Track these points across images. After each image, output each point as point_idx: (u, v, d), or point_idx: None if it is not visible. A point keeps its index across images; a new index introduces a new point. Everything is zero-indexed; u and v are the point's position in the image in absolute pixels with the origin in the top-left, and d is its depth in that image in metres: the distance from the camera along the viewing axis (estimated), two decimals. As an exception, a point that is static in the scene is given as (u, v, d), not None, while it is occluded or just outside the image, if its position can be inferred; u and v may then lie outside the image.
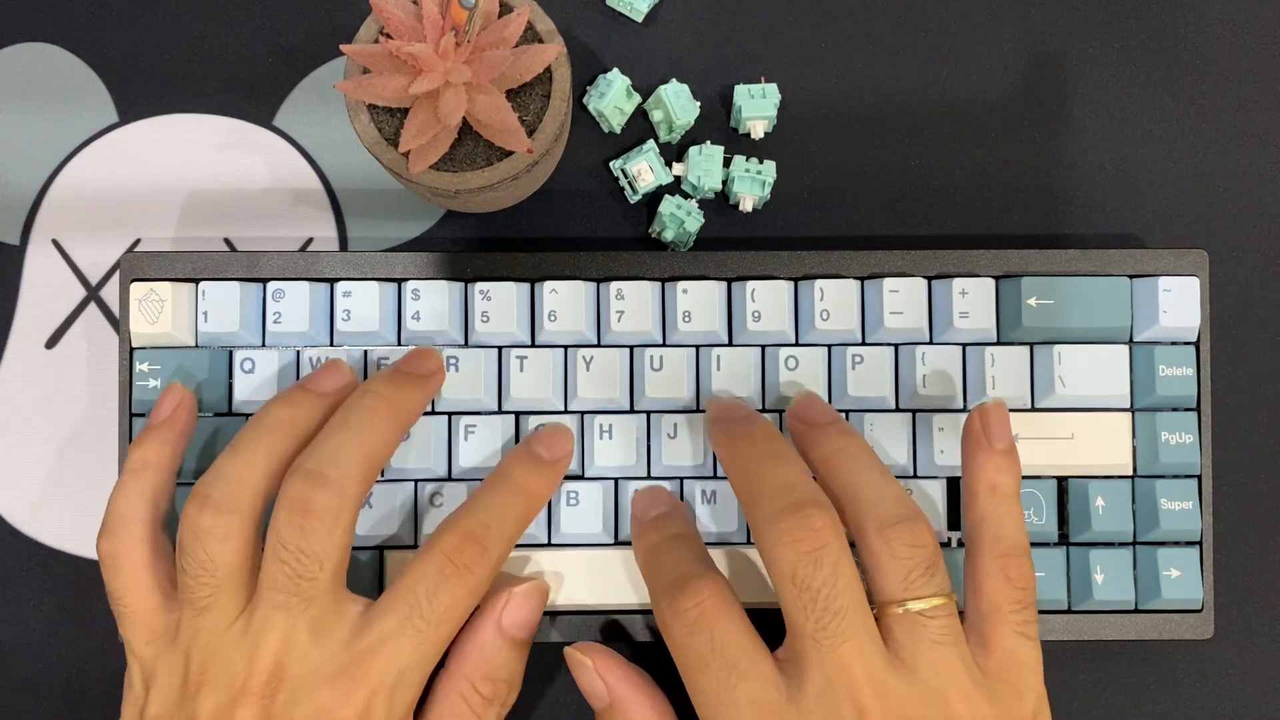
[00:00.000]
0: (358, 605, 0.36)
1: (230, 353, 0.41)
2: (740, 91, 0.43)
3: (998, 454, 0.37)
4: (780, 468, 0.36)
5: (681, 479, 0.41)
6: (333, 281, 0.41)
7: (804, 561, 0.33)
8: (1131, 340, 0.41)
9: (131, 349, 0.41)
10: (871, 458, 0.37)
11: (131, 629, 0.36)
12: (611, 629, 0.40)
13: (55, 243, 0.44)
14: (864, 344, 0.41)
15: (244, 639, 0.34)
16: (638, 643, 0.40)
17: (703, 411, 0.40)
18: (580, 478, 0.41)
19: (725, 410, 0.39)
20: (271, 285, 0.40)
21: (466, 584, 0.35)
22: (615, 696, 0.36)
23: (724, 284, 0.41)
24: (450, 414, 0.41)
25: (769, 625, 0.35)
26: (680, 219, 0.43)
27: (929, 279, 0.41)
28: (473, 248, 0.44)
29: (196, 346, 0.41)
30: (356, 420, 0.36)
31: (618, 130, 0.44)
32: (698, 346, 0.41)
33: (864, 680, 0.32)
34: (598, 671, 0.37)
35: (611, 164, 0.44)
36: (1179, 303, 0.41)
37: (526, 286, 0.41)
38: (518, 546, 0.40)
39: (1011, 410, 0.41)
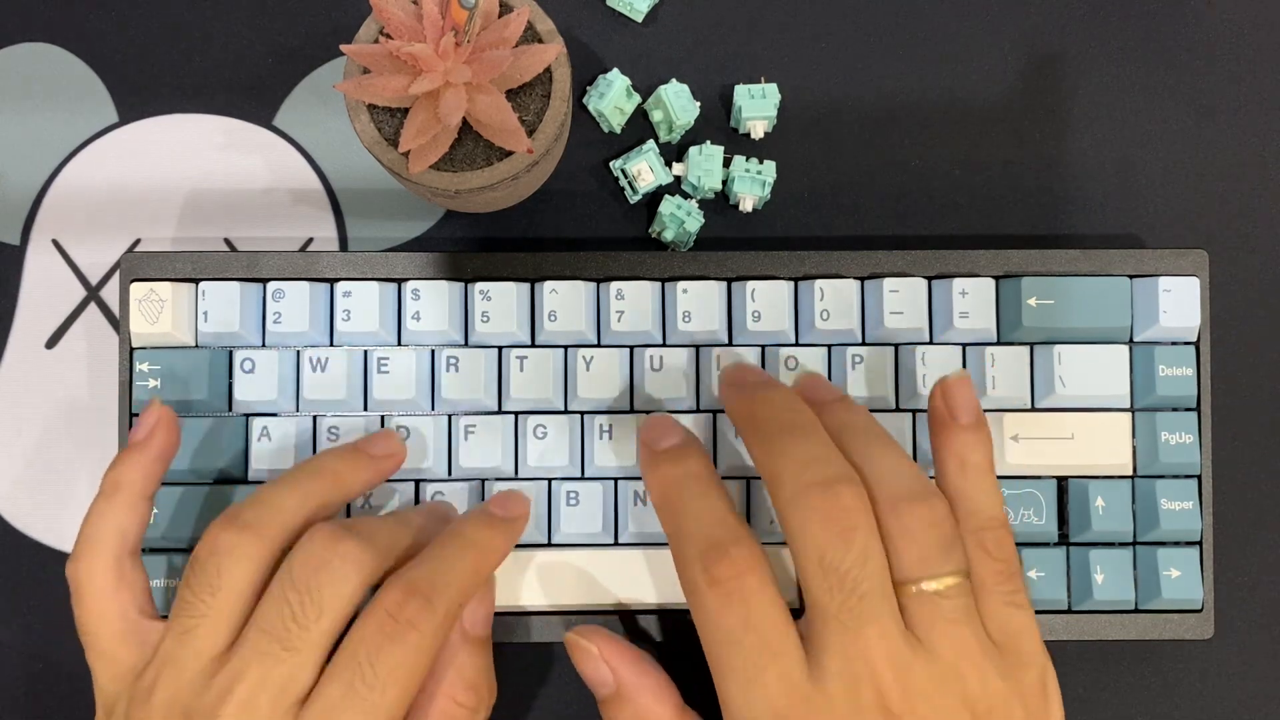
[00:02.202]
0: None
1: (230, 353, 0.41)
2: (740, 91, 0.43)
3: (963, 430, 0.36)
4: (805, 440, 0.34)
5: (681, 479, 0.40)
6: (333, 281, 0.41)
7: (834, 542, 0.32)
8: (1131, 340, 0.41)
9: (131, 349, 0.41)
10: (882, 431, 0.36)
11: (96, 659, 0.35)
12: (612, 629, 0.40)
13: (55, 243, 0.44)
14: (864, 344, 0.41)
15: (210, 686, 0.32)
16: (639, 643, 0.40)
17: (703, 411, 0.40)
18: (580, 478, 0.41)
19: (741, 374, 0.38)
20: (271, 285, 0.40)
21: (411, 642, 0.33)
22: (621, 682, 0.35)
23: (724, 284, 0.41)
24: (450, 414, 0.41)
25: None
26: (680, 219, 0.43)
27: (929, 279, 0.41)
28: (473, 248, 0.44)
29: (196, 346, 0.41)
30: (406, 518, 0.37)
31: (618, 130, 0.44)
32: (698, 346, 0.41)
33: (884, 662, 0.32)
34: (604, 657, 0.36)
35: (611, 164, 0.44)
36: (1179, 303, 0.41)
37: (526, 286, 0.41)
38: (519, 547, 0.40)
39: (1011, 410, 0.41)
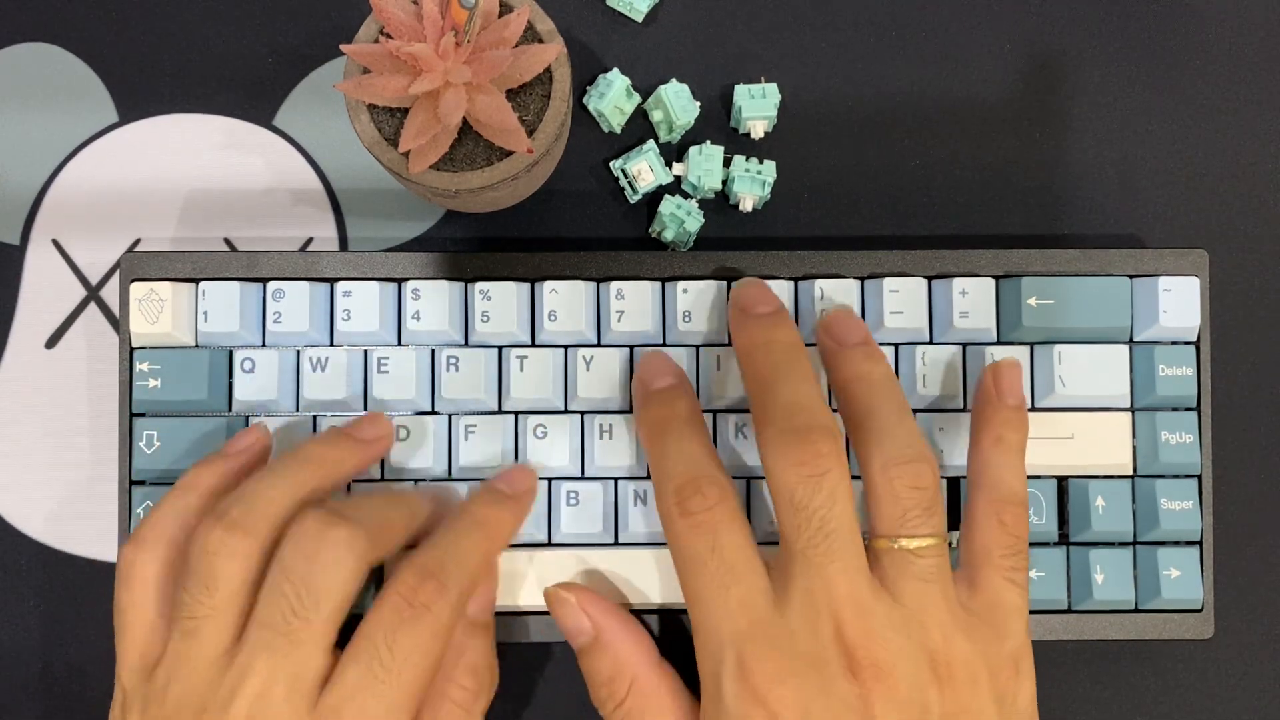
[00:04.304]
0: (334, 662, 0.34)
1: (230, 353, 0.41)
2: (740, 91, 0.43)
3: (1006, 408, 0.38)
4: (794, 385, 0.36)
5: (681, 479, 0.40)
6: (333, 281, 0.41)
7: (803, 484, 0.34)
8: (1131, 340, 0.41)
9: (131, 349, 0.41)
10: (891, 388, 0.37)
11: (126, 645, 0.35)
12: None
13: (55, 243, 0.44)
14: (864, 344, 0.41)
15: (222, 682, 0.33)
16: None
17: (703, 411, 0.40)
18: (580, 478, 0.41)
19: (751, 301, 0.39)
20: (271, 285, 0.40)
21: (426, 624, 0.34)
22: (600, 630, 0.37)
23: (724, 284, 0.41)
24: (450, 414, 0.41)
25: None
26: (680, 219, 0.43)
27: (929, 279, 0.41)
28: (473, 248, 0.44)
29: (196, 346, 0.41)
30: (395, 498, 0.37)
31: (618, 130, 0.44)
32: (698, 346, 0.41)
33: (845, 598, 0.33)
34: (581, 607, 0.37)
35: (611, 164, 0.44)
36: (1179, 303, 0.41)
37: (526, 286, 0.41)
38: (518, 546, 0.40)
39: (1011, 410, 0.41)
